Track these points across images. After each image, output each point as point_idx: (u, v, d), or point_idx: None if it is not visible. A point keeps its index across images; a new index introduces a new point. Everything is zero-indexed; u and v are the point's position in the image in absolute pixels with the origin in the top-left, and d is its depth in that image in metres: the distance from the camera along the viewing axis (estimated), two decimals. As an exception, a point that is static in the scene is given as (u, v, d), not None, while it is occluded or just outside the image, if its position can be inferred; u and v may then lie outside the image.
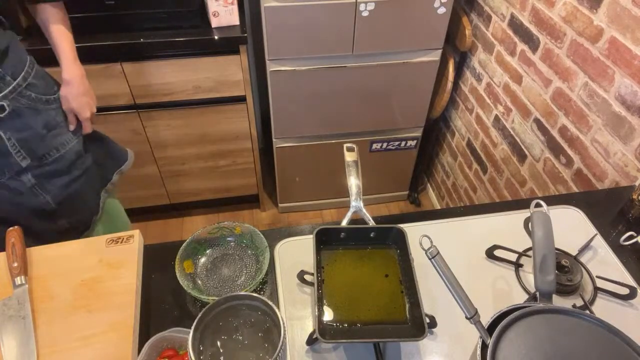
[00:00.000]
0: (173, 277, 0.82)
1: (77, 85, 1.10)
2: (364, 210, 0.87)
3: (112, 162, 1.31)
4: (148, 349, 0.71)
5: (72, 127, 1.12)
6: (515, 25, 1.53)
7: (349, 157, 0.91)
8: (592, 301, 0.84)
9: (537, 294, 0.71)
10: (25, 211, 1.07)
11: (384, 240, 0.86)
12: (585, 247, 0.92)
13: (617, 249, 0.93)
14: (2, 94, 0.95)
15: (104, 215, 1.30)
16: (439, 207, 2.38)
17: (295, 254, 0.91)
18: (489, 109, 1.77)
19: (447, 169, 2.24)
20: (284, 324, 0.66)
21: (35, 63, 1.05)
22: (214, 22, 1.67)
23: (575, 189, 1.36)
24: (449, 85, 1.92)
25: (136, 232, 0.90)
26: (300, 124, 1.97)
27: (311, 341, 0.77)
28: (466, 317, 0.63)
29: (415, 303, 0.74)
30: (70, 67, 1.09)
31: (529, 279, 0.88)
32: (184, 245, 0.87)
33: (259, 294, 0.71)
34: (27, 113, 1.00)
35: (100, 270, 0.84)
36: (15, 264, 0.82)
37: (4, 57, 0.95)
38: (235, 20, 1.68)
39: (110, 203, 1.34)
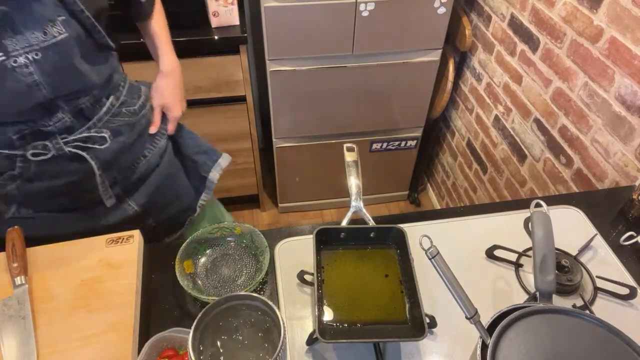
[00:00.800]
0: (173, 277, 0.82)
1: (176, 76, 1.07)
2: (364, 210, 0.87)
3: (206, 156, 1.21)
4: (148, 349, 0.71)
5: (153, 130, 1.05)
6: (515, 25, 1.53)
7: (349, 157, 0.91)
8: (592, 301, 0.84)
9: (537, 294, 0.71)
10: (111, 219, 1.02)
11: (384, 240, 0.86)
12: (585, 247, 0.92)
13: (617, 249, 0.93)
14: (97, 117, 0.89)
15: (209, 215, 1.25)
16: (439, 207, 2.38)
17: (295, 254, 0.91)
18: (489, 109, 1.77)
19: (447, 169, 2.24)
20: (284, 324, 0.66)
21: (126, 77, 1.01)
22: (214, 22, 1.67)
23: (575, 189, 1.36)
24: (449, 85, 1.92)
25: (136, 232, 0.90)
26: (300, 124, 1.97)
27: (311, 341, 0.77)
28: (466, 317, 0.63)
29: (415, 303, 0.74)
30: (170, 57, 1.07)
31: (529, 279, 0.88)
32: (184, 245, 0.87)
33: (259, 294, 0.71)
34: (123, 132, 0.96)
35: (100, 270, 0.84)
36: (15, 264, 0.82)
37: (108, 83, 0.91)
38: (235, 20, 1.68)
39: (212, 204, 1.28)
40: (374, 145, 2.12)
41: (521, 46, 1.51)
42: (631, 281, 0.87)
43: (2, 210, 0.94)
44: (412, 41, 1.74)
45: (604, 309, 0.82)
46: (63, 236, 0.90)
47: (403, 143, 2.14)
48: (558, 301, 0.83)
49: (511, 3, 1.54)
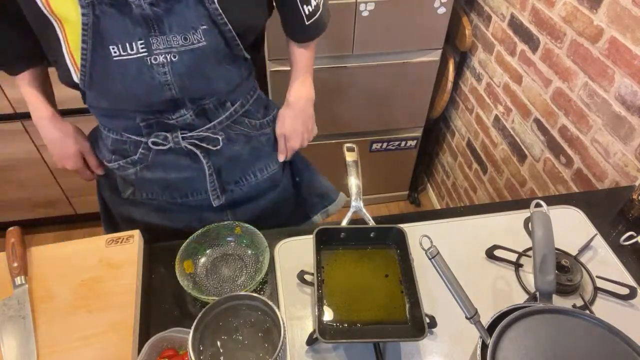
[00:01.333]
0: (173, 277, 0.82)
1: (297, 108, 1.06)
2: (364, 210, 0.87)
3: (318, 199, 1.24)
4: (148, 349, 0.71)
5: (281, 157, 1.07)
6: (515, 25, 1.53)
7: (349, 157, 0.91)
8: (592, 301, 0.84)
9: (537, 294, 0.71)
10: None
11: (384, 240, 0.86)
12: (585, 247, 0.92)
13: (617, 249, 0.93)
14: (218, 120, 0.92)
15: None
16: (439, 207, 2.38)
17: (295, 254, 0.91)
18: (489, 109, 1.77)
19: (447, 169, 2.24)
20: (284, 324, 0.66)
21: (257, 88, 1.02)
22: (214, 22, 1.66)
23: (575, 189, 1.36)
24: (449, 85, 1.92)
25: (136, 232, 0.90)
26: (300, 124, 1.97)
27: (311, 341, 0.77)
28: (466, 317, 0.63)
29: (415, 303, 0.74)
30: (297, 88, 1.07)
31: (529, 279, 0.88)
32: (184, 245, 0.87)
33: (259, 294, 0.71)
34: (239, 141, 0.98)
35: (100, 270, 0.84)
36: (15, 264, 0.82)
37: (237, 89, 0.93)
38: (235, 20, 1.68)
39: None
40: (374, 145, 2.12)
41: (521, 46, 1.51)
42: (631, 281, 0.87)
43: (121, 190, 1.02)
44: (412, 41, 1.74)
45: (604, 309, 0.82)
46: (168, 228, 1.03)
47: (403, 143, 2.14)
48: (558, 301, 0.83)
49: (511, 3, 1.54)
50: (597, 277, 0.87)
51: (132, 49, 0.76)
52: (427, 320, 0.71)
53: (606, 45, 1.17)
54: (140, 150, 0.92)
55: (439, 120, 2.15)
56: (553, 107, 1.40)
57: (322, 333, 0.71)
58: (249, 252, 0.92)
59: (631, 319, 0.82)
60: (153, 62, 0.77)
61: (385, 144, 2.12)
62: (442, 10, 1.66)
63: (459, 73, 1.94)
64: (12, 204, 2.03)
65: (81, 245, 0.88)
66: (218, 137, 0.93)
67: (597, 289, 0.85)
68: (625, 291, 0.84)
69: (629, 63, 1.10)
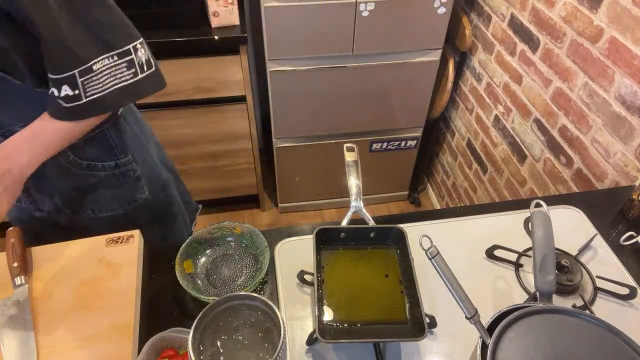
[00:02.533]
0: (173, 277, 0.82)
1: None
2: (364, 210, 0.87)
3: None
4: (148, 349, 0.71)
5: None
6: (515, 25, 1.53)
7: (349, 157, 0.91)
8: (592, 301, 0.84)
9: (537, 294, 0.71)
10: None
11: (384, 240, 0.86)
12: (585, 247, 0.92)
13: (617, 249, 0.93)
14: None
15: None
16: (439, 207, 2.38)
17: (295, 254, 0.91)
18: (489, 109, 1.77)
19: (447, 169, 2.24)
20: (284, 324, 0.66)
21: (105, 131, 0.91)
22: (214, 22, 1.67)
23: (575, 189, 1.36)
24: (449, 85, 1.92)
25: (136, 232, 0.90)
26: (300, 124, 1.97)
27: (311, 341, 0.77)
28: (466, 317, 0.63)
29: (415, 303, 0.74)
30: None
31: (529, 279, 0.88)
32: (184, 245, 0.87)
33: (259, 294, 0.71)
34: (51, 169, 0.90)
35: (100, 270, 0.84)
36: (15, 264, 0.82)
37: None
38: (235, 20, 1.68)
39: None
40: (374, 145, 2.12)
41: (521, 46, 1.51)
42: (631, 281, 0.87)
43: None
44: (412, 41, 1.74)
45: (604, 309, 0.82)
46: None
47: (403, 143, 2.14)
48: (558, 301, 0.83)
49: (511, 3, 1.54)
50: (597, 277, 0.87)
51: None
52: (427, 320, 0.71)
53: (606, 45, 1.17)
54: None
55: (439, 120, 2.15)
56: (553, 107, 1.40)
57: (322, 333, 0.71)
58: (249, 252, 0.92)
59: (631, 319, 0.82)
60: None
61: (385, 144, 2.12)
62: (442, 10, 1.66)
63: (459, 73, 1.94)
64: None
65: (81, 245, 0.88)
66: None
67: (597, 289, 0.85)
68: (625, 291, 0.84)
69: (629, 63, 1.10)
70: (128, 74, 0.78)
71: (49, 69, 0.73)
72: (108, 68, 0.76)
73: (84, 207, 0.99)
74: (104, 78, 0.77)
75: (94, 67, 0.74)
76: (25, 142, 0.78)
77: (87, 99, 0.76)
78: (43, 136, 0.79)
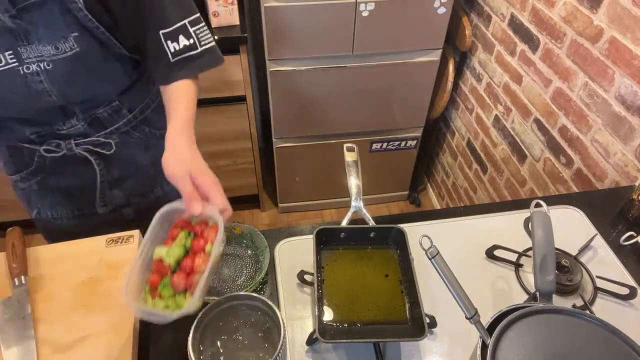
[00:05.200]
0: (173, 277, 0.82)
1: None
2: (364, 210, 0.87)
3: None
4: (160, 218, 0.70)
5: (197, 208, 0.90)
6: (515, 25, 1.53)
7: (349, 157, 0.91)
8: (592, 301, 0.84)
9: (537, 294, 0.71)
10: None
11: (384, 240, 0.86)
12: (585, 247, 0.92)
13: (617, 249, 0.93)
14: (115, 127, 0.92)
15: None
16: (439, 207, 2.38)
17: (295, 254, 0.91)
18: (489, 109, 1.77)
19: (447, 169, 2.24)
20: (284, 324, 0.66)
21: (158, 95, 0.96)
22: (214, 22, 1.67)
23: (575, 189, 1.36)
24: (449, 85, 1.92)
25: (136, 232, 0.90)
26: (300, 124, 1.97)
27: (311, 341, 0.77)
28: (466, 317, 0.63)
29: (415, 303, 0.74)
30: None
31: (529, 279, 0.88)
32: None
33: (259, 294, 0.71)
34: (136, 147, 0.97)
35: (100, 270, 0.84)
36: (15, 264, 0.82)
37: (126, 92, 0.91)
38: (235, 20, 1.68)
39: None
40: (374, 145, 2.12)
41: (521, 46, 1.51)
42: (631, 281, 0.87)
43: (28, 211, 1.01)
44: (412, 41, 1.74)
45: (604, 309, 0.82)
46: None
47: (403, 143, 2.14)
48: (558, 301, 0.83)
49: (511, 3, 1.54)
50: (597, 277, 0.87)
51: (0, 61, 0.74)
52: (427, 320, 0.71)
53: (606, 45, 1.16)
54: (35, 159, 0.91)
55: (439, 120, 2.15)
56: (553, 107, 1.40)
57: (322, 333, 0.71)
58: (249, 252, 0.91)
59: (631, 319, 0.82)
60: (26, 71, 0.76)
61: (385, 144, 2.12)
62: (442, 10, 1.66)
63: (459, 73, 1.94)
64: (12, 204, 2.03)
65: (81, 245, 0.88)
66: (110, 141, 0.92)
67: (597, 289, 0.85)
68: (625, 291, 0.84)
69: (629, 63, 1.10)
70: (211, 36, 0.87)
71: (161, 26, 0.80)
72: (203, 25, 0.85)
73: (155, 185, 1.04)
74: (206, 31, 0.86)
75: (200, 20, 0.84)
76: (191, 118, 0.84)
77: (202, 48, 0.85)
78: (193, 104, 0.86)
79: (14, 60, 0.74)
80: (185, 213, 0.70)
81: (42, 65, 0.76)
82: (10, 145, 0.91)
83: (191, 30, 0.84)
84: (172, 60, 0.83)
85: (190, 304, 0.63)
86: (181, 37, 0.83)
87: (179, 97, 0.84)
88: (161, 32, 0.81)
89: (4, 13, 0.70)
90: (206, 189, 0.71)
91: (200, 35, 0.85)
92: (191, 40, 0.84)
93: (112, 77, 0.86)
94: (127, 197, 1.03)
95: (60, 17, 0.74)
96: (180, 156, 0.74)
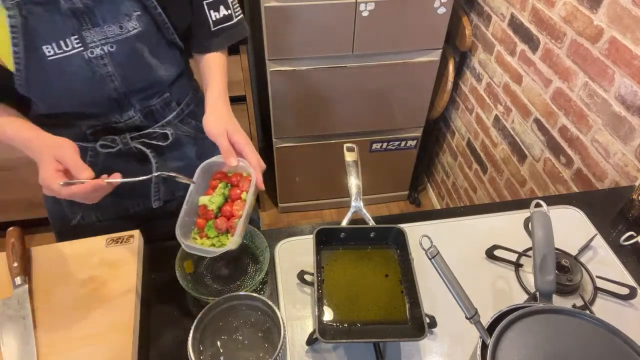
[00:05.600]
0: (173, 277, 0.82)
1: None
2: (364, 210, 0.87)
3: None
4: (201, 171, 0.80)
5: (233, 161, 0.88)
6: (515, 25, 1.53)
7: (349, 157, 0.91)
8: (592, 301, 0.84)
9: (537, 294, 0.71)
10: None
11: (384, 240, 0.86)
12: (585, 247, 0.92)
13: (617, 249, 0.93)
14: (165, 120, 0.94)
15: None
16: (439, 207, 2.38)
17: (295, 254, 0.91)
18: (489, 109, 1.77)
19: (447, 169, 2.24)
20: (284, 324, 0.66)
21: (198, 89, 1.02)
22: (214, 22, 1.66)
23: (575, 189, 1.36)
24: (449, 85, 1.92)
25: (136, 233, 0.90)
26: (300, 124, 1.97)
27: (311, 341, 0.77)
28: (466, 317, 0.63)
29: (415, 303, 0.74)
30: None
31: (529, 279, 0.88)
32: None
33: (259, 294, 0.71)
34: (186, 142, 0.99)
35: (100, 270, 0.84)
36: (15, 264, 0.82)
37: (175, 82, 0.94)
38: (235, 20, 1.68)
39: None
40: (374, 145, 2.12)
41: (521, 46, 1.51)
42: (631, 281, 0.87)
43: (69, 215, 1.00)
44: (412, 41, 1.74)
45: (604, 309, 0.82)
46: None
47: (403, 143, 2.14)
48: (558, 301, 0.83)
49: (511, 3, 1.54)
50: (597, 277, 0.87)
51: (67, 46, 0.75)
52: (427, 320, 0.71)
53: (606, 45, 1.16)
54: (88, 158, 0.91)
55: (439, 120, 2.15)
56: (553, 107, 1.40)
57: (322, 333, 0.71)
58: (249, 252, 0.91)
59: (631, 319, 0.82)
60: (90, 55, 0.77)
61: (385, 144, 2.12)
62: (442, 10, 1.66)
63: (459, 73, 1.94)
64: (12, 204, 2.03)
65: (81, 245, 0.88)
66: (166, 131, 0.93)
67: (597, 289, 0.85)
68: (625, 291, 0.84)
69: (629, 63, 1.10)
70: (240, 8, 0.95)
71: None
72: None
73: None
74: (237, 4, 0.94)
75: None
76: (225, 85, 0.94)
77: (237, 19, 0.94)
78: (226, 73, 0.96)
79: (80, 44, 0.76)
80: (223, 166, 0.82)
81: (105, 49, 0.78)
82: None
83: (229, 1, 0.92)
84: (212, 28, 0.91)
85: (232, 242, 0.75)
86: (221, 7, 0.90)
87: (215, 66, 0.94)
88: (205, 2, 0.88)
89: None
90: (240, 146, 0.80)
91: (235, 6, 0.94)
92: (229, 11, 0.92)
93: (166, 63, 0.89)
94: (173, 191, 1.03)
95: None
96: (219, 116, 0.84)
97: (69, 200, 0.95)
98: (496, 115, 1.72)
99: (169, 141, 0.94)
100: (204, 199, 0.80)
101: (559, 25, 1.32)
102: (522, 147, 1.58)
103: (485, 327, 0.62)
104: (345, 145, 0.93)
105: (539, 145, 1.49)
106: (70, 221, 1.00)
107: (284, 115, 1.92)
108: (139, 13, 0.79)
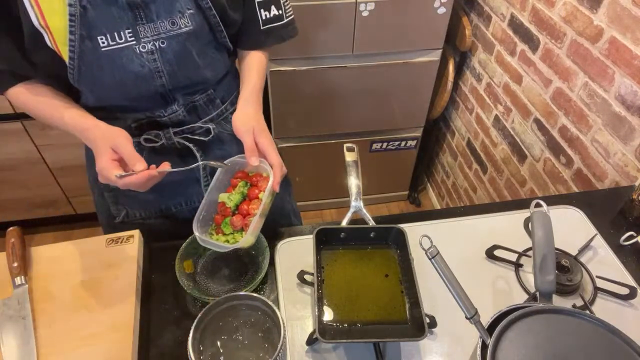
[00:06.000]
0: (173, 277, 0.82)
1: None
2: (364, 210, 0.87)
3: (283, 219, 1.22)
4: (223, 170, 0.83)
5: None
6: (515, 25, 1.53)
7: (349, 157, 0.91)
8: (592, 301, 0.84)
9: (537, 294, 0.71)
10: None
11: (384, 240, 0.86)
12: (585, 247, 0.92)
13: (617, 249, 0.93)
14: (209, 117, 0.94)
15: None
16: (439, 207, 2.38)
17: (295, 254, 0.91)
18: (489, 109, 1.77)
19: (447, 169, 2.24)
20: (284, 324, 0.66)
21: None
22: (214, 22, 1.66)
23: (575, 189, 1.36)
24: (449, 85, 1.92)
25: (136, 232, 0.90)
26: (300, 124, 1.97)
27: (311, 341, 0.77)
28: (466, 317, 0.63)
29: (415, 303, 0.74)
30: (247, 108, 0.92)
31: (529, 279, 0.88)
32: (184, 245, 0.87)
33: (259, 294, 0.71)
34: (228, 140, 0.99)
35: (100, 270, 0.84)
36: (15, 264, 0.82)
37: (220, 81, 0.94)
38: (235, 20, 1.68)
39: None
40: (374, 145, 2.12)
41: (521, 46, 1.51)
42: (631, 281, 0.87)
43: (114, 214, 1.00)
44: (412, 41, 1.74)
45: (604, 309, 0.82)
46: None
47: (403, 143, 2.14)
48: (558, 301, 0.83)
49: (511, 3, 1.54)
50: (597, 277, 0.87)
51: (120, 38, 0.77)
52: (427, 320, 0.71)
53: (606, 45, 1.16)
54: None
55: (439, 120, 2.15)
56: (553, 107, 1.40)
57: (322, 333, 0.71)
58: (249, 252, 0.91)
59: (631, 319, 0.82)
60: (142, 50, 0.79)
61: (385, 144, 2.12)
62: (442, 10, 1.66)
63: (459, 73, 1.94)
64: (12, 204, 2.03)
65: (81, 245, 0.88)
66: (209, 126, 0.93)
67: (597, 289, 0.85)
68: (625, 291, 0.84)
69: (629, 63, 1.10)
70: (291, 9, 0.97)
71: None
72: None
73: None
74: (290, 4, 0.96)
75: None
76: (261, 86, 0.94)
77: (287, 19, 0.96)
78: (264, 73, 0.96)
79: (132, 38, 0.77)
80: (246, 166, 0.84)
81: (157, 44, 0.79)
82: None
83: (282, 2, 0.94)
84: (261, 27, 0.93)
85: (243, 240, 0.77)
86: (273, 7, 0.92)
87: (255, 65, 0.95)
88: (256, 0, 0.90)
89: None
90: (264, 147, 0.83)
91: (287, 7, 0.95)
92: (280, 11, 0.94)
93: (213, 63, 0.90)
94: None
95: None
96: (248, 114, 0.86)
97: (114, 199, 0.98)
98: (496, 115, 1.72)
99: (211, 136, 0.94)
100: (223, 196, 0.83)
101: (559, 25, 1.32)
102: (522, 147, 1.58)
103: (485, 327, 0.62)
104: (345, 145, 0.93)
105: (539, 145, 1.49)
106: (114, 218, 1.01)
107: (284, 115, 1.92)
108: (192, 11, 0.80)
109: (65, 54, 0.75)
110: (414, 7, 1.63)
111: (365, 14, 1.62)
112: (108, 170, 0.73)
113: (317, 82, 1.82)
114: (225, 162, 0.83)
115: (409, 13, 1.65)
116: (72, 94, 0.85)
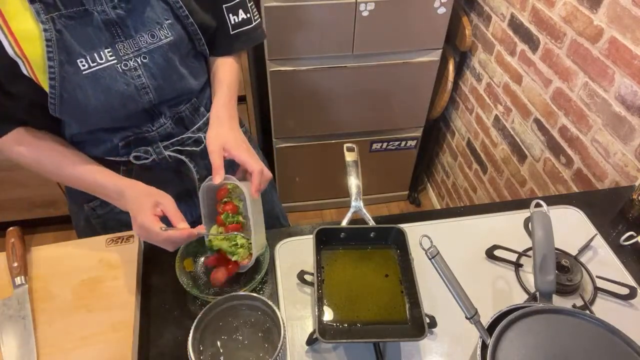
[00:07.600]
0: (173, 277, 0.82)
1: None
2: (364, 210, 0.87)
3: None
4: (202, 196, 0.82)
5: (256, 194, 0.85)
6: (515, 25, 1.53)
7: (349, 157, 0.91)
8: (592, 301, 0.84)
9: (537, 294, 0.71)
10: None
11: (384, 240, 0.86)
12: (585, 247, 0.92)
13: (617, 249, 0.93)
14: (196, 126, 0.94)
15: None
16: (439, 207, 2.38)
17: (295, 254, 0.91)
18: (489, 109, 1.77)
19: (447, 169, 2.24)
20: (284, 324, 0.66)
21: None
22: (214, 22, 1.66)
23: (575, 189, 1.36)
24: (449, 85, 1.92)
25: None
26: (300, 124, 1.97)
27: (311, 341, 0.77)
28: (466, 317, 0.63)
29: (415, 303, 0.74)
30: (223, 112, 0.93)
31: (529, 279, 0.88)
32: (184, 244, 0.86)
33: (259, 293, 0.71)
34: None
35: (100, 270, 0.84)
36: (15, 264, 0.82)
37: (203, 89, 0.94)
38: (235, 20, 1.68)
39: None
40: (374, 145, 2.12)
41: (521, 46, 1.51)
42: (631, 281, 0.87)
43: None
44: (412, 41, 1.74)
45: (604, 309, 0.82)
46: None
47: (403, 143, 2.14)
48: (558, 301, 0.83)
49: (511, 3, 1.54)
50: (597, 277, 0.87)
51: (100, 59, 0.75)
52: (427, 320, 0.71)
53: (606, 45, 1.16)
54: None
55: (439, 120, 2.15)
56: (553, 107, 1.40)
57: (322, 333, 0.71)
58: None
59: (631, 319, 0.82)
60: (124, 68, 0.77)
61: (385, 144, 2.12)
62: (442, 10, 1.66)
63: (459, 73, 1.94)
64: (12, 204, 2.03)
65: (81, 245, 0.88)
66: (199, 135, 0.93)
67: (597, 289, 0.85)
68: (625, 291, 0.84)
69: (629, 63, 1.10)
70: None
71: (225, 0, 0.89)
72: (252, 3, 0.95)
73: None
74: (255, 8, 0.96)
75: None
76: (234, 93, 0.93)
77: (255, 23, 0.95)
78: (236, 80, 0.95)
79: (113, 57, 0.76)
80: (222, 185, 0.81)
81: (139, 60, 0.78)
82: None
83: (248, 5, 0.94)
84: (231, 32, 0.92)
85: (244, 266, 0.83)
86: (240, 11, 0.92)
87: (223, 74, 0.94)
88: (224, 5, 0.89)
89: (108, 3, 0.73)
90: (241, 159, 0.80)
91: (254, 10, 0.95)
92: (248, 15, 0.93)
93: (195, 72, 0.90)
94: None
95: (156, 3, 0.78)
96: (218, 132, 0.83)
97: (102, 224, 0.96)
98: (496, 115, 1.72)
99: (202, 145, 0.93)
100: (219, 244, 0.84)
101: (559, 25, 1.32)
102: (522, 147, 1.58)
103: (485, 327, 0.62)
104: (345, 145, 0.93)
105: (539, 145, 1.49)
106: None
107: (284, 116, 1.92)
108: (170, 21, 0.80)
109: (45, 83, 0.72)
110: (414, 7, 1.63)
111: (365, 14, 1.62)
112: (153, 223, 0.74)
113: (317, 82, 1.82)
114: (200, 189, 0.82)
115: (409, 13, 1.65)
116: (54, 125, 0.83)
